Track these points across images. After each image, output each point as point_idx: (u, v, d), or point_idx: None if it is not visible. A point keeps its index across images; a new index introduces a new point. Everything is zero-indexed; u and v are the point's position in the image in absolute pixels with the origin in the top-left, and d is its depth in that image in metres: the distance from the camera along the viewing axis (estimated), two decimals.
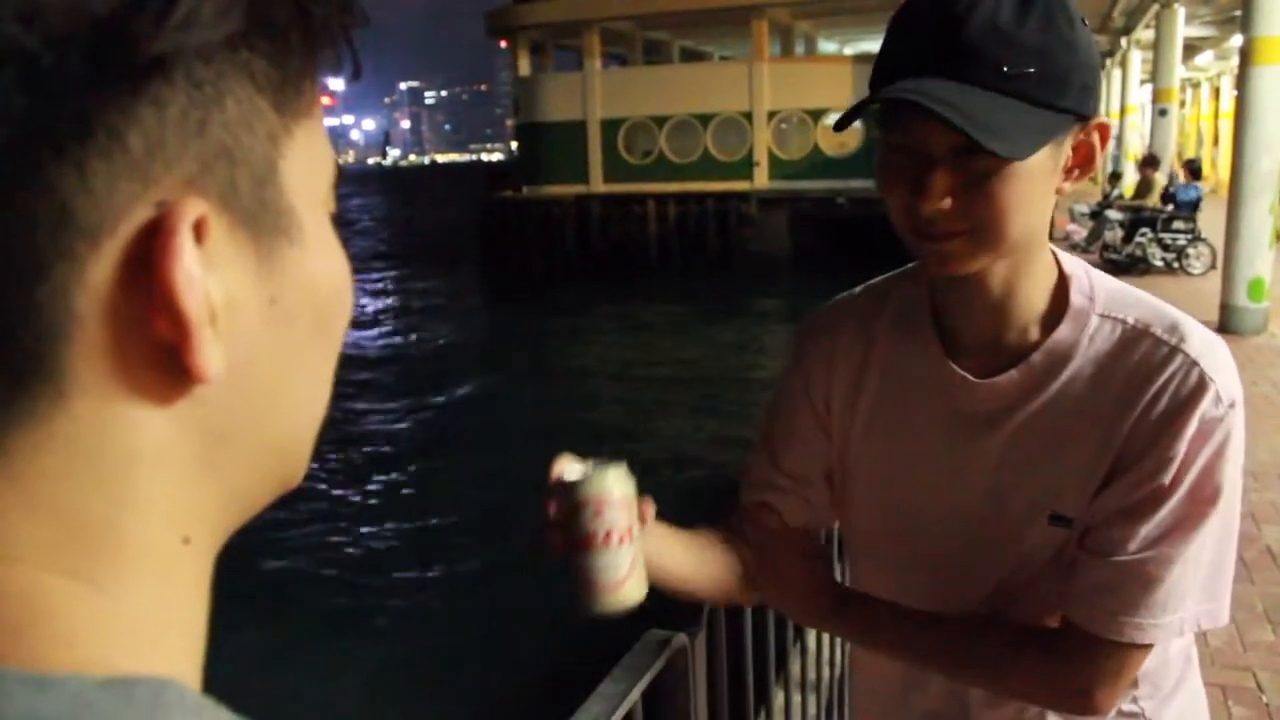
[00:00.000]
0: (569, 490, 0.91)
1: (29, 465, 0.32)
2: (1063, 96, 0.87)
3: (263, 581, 7.28)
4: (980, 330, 1.01)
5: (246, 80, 0.34)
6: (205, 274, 0.33)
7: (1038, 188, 0.91)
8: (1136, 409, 0.94)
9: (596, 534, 0.90)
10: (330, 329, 0.40)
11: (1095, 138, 0.93)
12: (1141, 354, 0.96)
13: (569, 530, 0.92)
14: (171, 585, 0.35)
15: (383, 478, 10.33)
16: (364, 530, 8.87)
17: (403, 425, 12.58)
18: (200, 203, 0.33)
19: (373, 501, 9.68)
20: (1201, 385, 0.93)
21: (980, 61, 0.85)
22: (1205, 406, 0.93)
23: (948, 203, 0.89)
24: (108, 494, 0.33)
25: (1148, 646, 0.98)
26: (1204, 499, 0.94)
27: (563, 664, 5.41)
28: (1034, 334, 1.00)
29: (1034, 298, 0.99)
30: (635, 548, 0.92)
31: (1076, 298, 0.99)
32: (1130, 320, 0.98)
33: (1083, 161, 0.94)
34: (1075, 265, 1.02)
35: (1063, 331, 0.98)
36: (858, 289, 1.17)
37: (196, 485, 0.36)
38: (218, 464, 0.36)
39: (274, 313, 0.36)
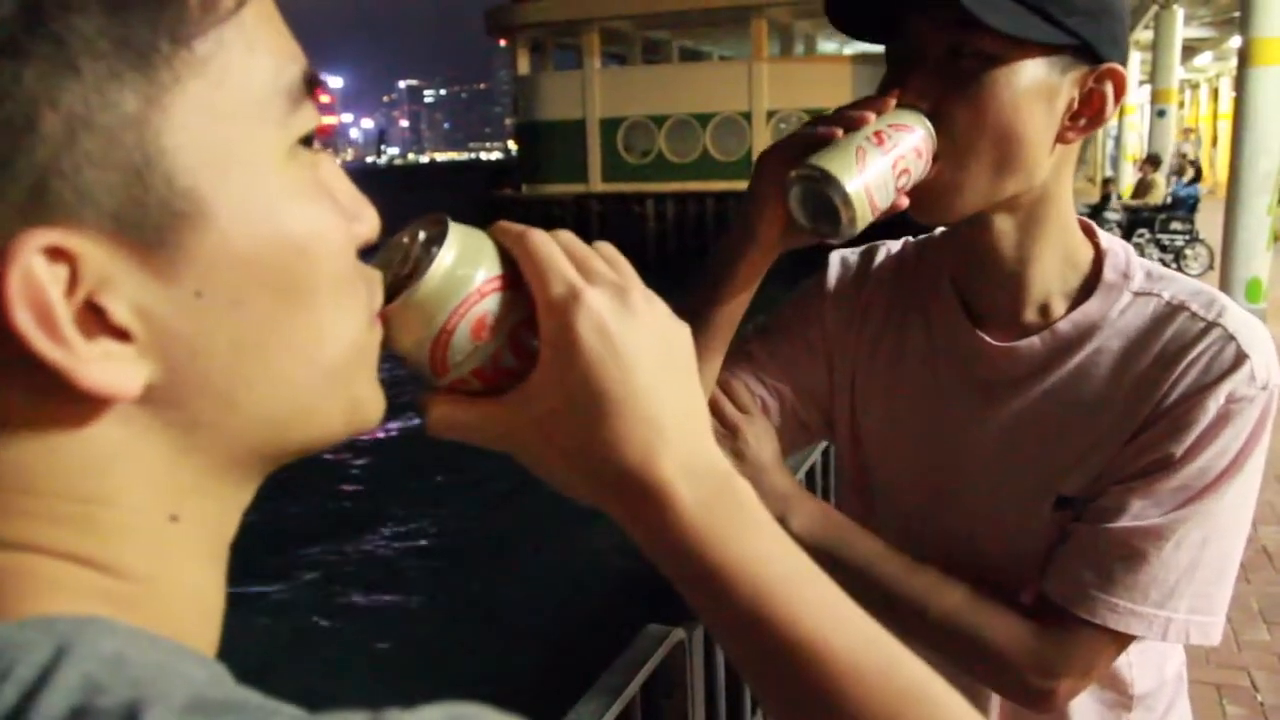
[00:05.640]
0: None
1: None
2: (1066, 12, 0.81)
3: (259, 577, 7.28)
4: (997, 300, 0.96)
5: (67, 77, 0.29)
6: (104, 293, 0.31)
7: (1030, 109, 0.84)
8: (1164, 384, 0.88)
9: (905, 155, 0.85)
10: (304, 286, 0.36)
11: (1108, 87, 0.86)
12: (1175, 329, 0.90)
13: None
14: (162, 560, 0.35)
15: (379, 475, 10.32)
16: (360, 523, 8.86)
17: (395, 421, 12.56)
18: (41, 233, 0.30)
19: (369, 493, 9.67)
20: (1237, 360, 0.87)
21: None
22: (1236, 382, 0.86)
23: (925, 106, 0.84)
24: (78, 493, 0.33)
25: (1122, 640, 0.90)
26: (1215, 479, 0.86)
27: (562, 658, 5.41)
28: (1059, 308, 0.94)
29: (1054, 269, 0.94)
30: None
31: (1110, 274, 0.93)
32: (1165, 296, 0.92)
33: (1093, 112, 0.87)
34: (1115, 243, 0.96)
35: (1091, 305, 0.93)
36: (896, 242, 1.10)
37: (175, 470, 0.35)
38: (197, 448, 0.36)
39: (205, 304, 0.33)
